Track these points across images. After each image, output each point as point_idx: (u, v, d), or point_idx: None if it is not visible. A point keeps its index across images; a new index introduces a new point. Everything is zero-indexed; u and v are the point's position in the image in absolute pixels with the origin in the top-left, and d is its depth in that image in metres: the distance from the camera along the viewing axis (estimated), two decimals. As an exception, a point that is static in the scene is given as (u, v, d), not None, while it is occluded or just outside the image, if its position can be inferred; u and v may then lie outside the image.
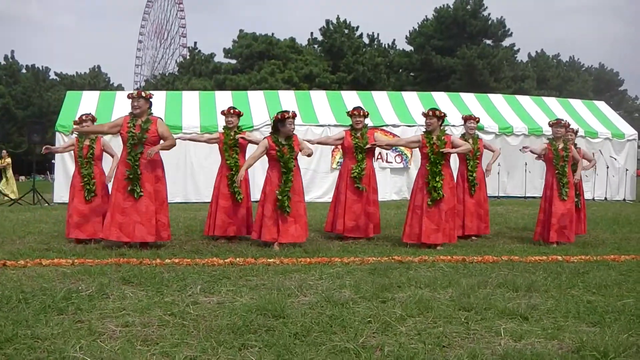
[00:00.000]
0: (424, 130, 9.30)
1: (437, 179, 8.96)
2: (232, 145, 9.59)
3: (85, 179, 9.38)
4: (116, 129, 8.71)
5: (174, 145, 8.83)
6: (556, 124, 9.74)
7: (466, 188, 10.32)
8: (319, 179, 19.35)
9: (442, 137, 9.07)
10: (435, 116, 9.13)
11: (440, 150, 8.96)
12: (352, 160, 9.80)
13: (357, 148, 9.75)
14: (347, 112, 10.22)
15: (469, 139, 10.30)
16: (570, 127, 10.05)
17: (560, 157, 9.57)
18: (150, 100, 8.77)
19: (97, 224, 9.23)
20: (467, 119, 10.62)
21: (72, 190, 9.51)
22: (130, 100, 8.70)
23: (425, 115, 9.26)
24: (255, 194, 9.77)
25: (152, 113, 8.79)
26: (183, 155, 17.87)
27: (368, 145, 9.72)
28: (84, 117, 9.59)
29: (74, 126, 9.42)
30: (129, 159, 8.50)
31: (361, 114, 9.94)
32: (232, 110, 9.81)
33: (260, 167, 17.36)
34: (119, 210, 8.51)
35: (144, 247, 8.58)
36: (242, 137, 9.62)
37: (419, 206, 9.05)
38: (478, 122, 10.72)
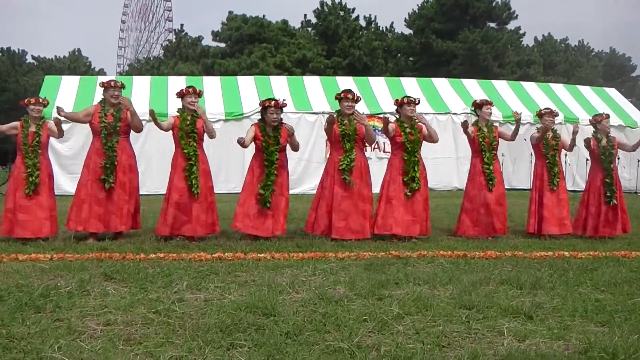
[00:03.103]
0: (397, 118, 9.41)
1: (416, 169, 9.11)
2: (189, 131, 8.95)
3: (29, 170, 8.81)
4: (88, 117, 9.04)
5: (140, 127, 9.24)
6: (548, 113, 9.92)
7: (483, 183, 9.63)
8: (312, 169, 19.33)
9: (415, 126, 9.24)
10: (416, 104, 9.36)
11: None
12: (340, 151, 9.15)
13: (345, 136, 9.09)
14: (336, 95, 9.50)
15: (484, 127, 9.81)
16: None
17: (551, 147, 9.81)
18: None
19: (42, 221, 8.88)
20: (483, 104, 9.96)
21: (13, 181, 8.98)
22: (109, 89, 9.02)
23: (407, 102, 9.34)
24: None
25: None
26: (169, 146, 17.83)
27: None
28: (39, 100, 9.08)
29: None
30: (106, 149, 8.81)
31: (353, 97, 9.24)
32: (189, 90, 9.11)
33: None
34: (95, 201, 8.79)
35: (119, 237, 8.94)
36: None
37: (394, 197, 9.11)
38: (492, 105, 10.13)
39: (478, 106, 10.01)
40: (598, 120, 10.07)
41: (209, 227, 9.06)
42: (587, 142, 9.97)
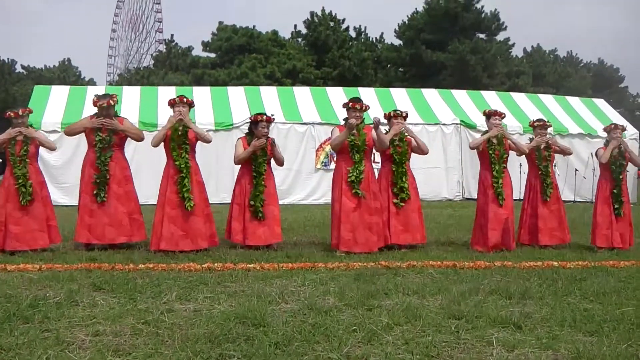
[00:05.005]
0: (387, 131, 9.42)
1: (404, 179, 9.27)
2: (180, 142, 8.76)
3: (20, 180, 8.56)
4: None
5: (140, 137, 9.37)
6: (541, 125, 10.03)
7: (492, 196, 9.20)
8: (302, 179, 19.28)
9: (404, 138, 9.37)
10: (403, 117, 9.56)
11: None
12: (348, 162, 8.80)
13: (354, 147, 8.76)
14: (344, 104, 9.12)
15: (493, 139, 9.40)
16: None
17: (543, 157, 9.88)
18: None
19: (37, 232, 8.65)
20: (491, 114, 9.64)
21: (4, 193, 8.68)
22: (99, 108, 8.98)
23: (394, 116, 9.53)
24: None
25: (118, 114, 9.26)
26: (159, 156, 17.80)
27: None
28: (20, 113, 8.80)
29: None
30: (98, 162, 8.86)
31: (361, 107, 8.89)
32: (183, 99, 8.95)
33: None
34: (87, 213, 8.83)
35: (114, 248, 8.84)
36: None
37: (386, 207, 9.25)
38: (503, 117, 9.74)
39: (487, 116, 9.72)
40: (607, 130, 9.97)
41: (208, 240, 8.92)
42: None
